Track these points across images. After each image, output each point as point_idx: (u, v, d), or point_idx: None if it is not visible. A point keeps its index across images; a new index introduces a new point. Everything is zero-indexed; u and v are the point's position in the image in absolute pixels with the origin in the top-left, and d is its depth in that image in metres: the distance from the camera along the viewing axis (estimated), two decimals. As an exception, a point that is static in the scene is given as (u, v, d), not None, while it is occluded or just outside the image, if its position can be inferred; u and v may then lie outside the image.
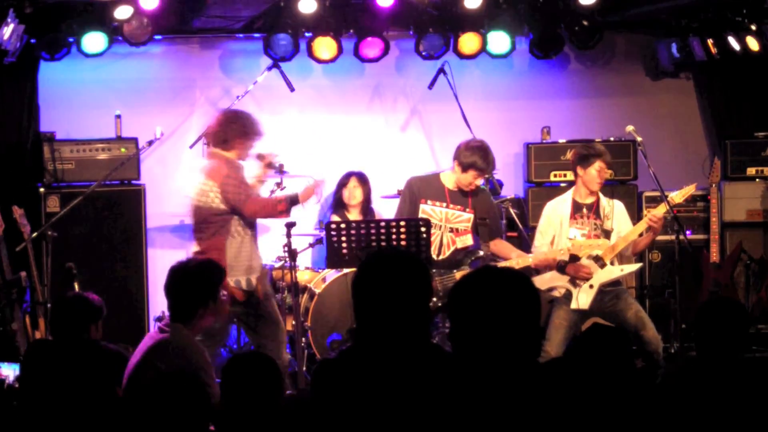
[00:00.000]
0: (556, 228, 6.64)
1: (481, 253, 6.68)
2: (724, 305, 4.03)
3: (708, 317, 3.92)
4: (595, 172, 6.57)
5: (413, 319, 3.14)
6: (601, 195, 6.72)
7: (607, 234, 6.60)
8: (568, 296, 6.58)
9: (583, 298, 6.53)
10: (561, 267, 6.53)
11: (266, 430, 3.56)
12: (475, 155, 6.47)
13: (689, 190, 6.78)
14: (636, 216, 7.68)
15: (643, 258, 8.25)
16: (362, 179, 8.04)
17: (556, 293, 6.63)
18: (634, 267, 6.93)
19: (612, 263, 6.61)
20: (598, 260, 6.55)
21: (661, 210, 6.62)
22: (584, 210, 6.65)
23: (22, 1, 7.02)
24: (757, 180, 8.40)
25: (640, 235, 6.65)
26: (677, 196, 6.75)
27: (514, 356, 2.71)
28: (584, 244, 6.52)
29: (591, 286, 6.54)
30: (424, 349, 3.13)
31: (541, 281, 6.67)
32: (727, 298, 4.80)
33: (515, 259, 6.62)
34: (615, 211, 6.67)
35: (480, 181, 6.58)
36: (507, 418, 2.67)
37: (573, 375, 3.31)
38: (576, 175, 6.69)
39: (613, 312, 6.62)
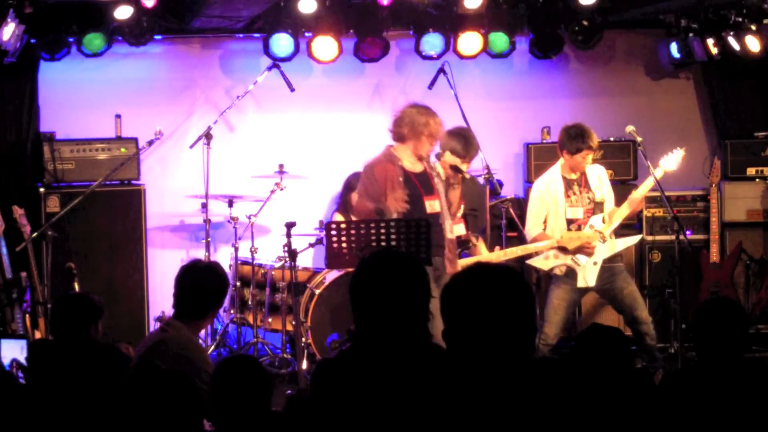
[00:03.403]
0: (549, 207, 6.66)
1: (471, 243, 6.71)
2: (721, 305, 4.03)
3: (706, 317, 3.92)
4: (581, 159, 6.62)
5: (412, 319, 3.15)
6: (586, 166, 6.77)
7: (599, 206, 6.64)
8: (569, 274, 6.61)
9: (589, 275, 6.58)
10: (563, 247, 6.56)
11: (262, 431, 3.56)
12: (453, 140, 6.49)
13: (680, 155, 6.80)
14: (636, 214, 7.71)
15: (643, 258, 8.26)
16: None
17: (557, 271, 6.65)
18: (635, 239, 7.03)
19: (611, 237, 6.65)
20: (599, 235, 6.59)
21: (640, 195, 6.68)
22: (575, 186, 6.68)
23: (22, 1, 7.01)
24: (757, 180, 8.39)
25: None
26: (668, 162, 6.76)
27: (508, 353, 2.71)
28: (573, 237, 6.55)
29: (595, 263, 6.58)
30: (423, 348, 3.14)
31: (543, 262, 6.69)
32: (725, 298, 4.78)
33: (503, 251, 6.68)
34: (601, 179, 6.74)
35: (465, 167, 6.58)
36: (505, 418, 2.67)
37: (572, 374, 3.31)
38: (561, 154, 6.71)
39: (610, 289, 6.66)
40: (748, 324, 4.34)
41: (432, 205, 6.31)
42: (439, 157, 6.48)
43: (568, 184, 6.68)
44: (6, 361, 4.92)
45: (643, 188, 6.72)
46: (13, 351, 5.19)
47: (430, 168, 6.33)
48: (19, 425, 3.71)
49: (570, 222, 6.65)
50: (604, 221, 6.63)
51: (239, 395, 3.56)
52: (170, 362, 4.29)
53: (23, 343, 5.23)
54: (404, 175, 6.23)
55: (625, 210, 6.66)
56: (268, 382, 3.67)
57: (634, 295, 6.64)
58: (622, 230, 7.06)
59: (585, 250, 6.55)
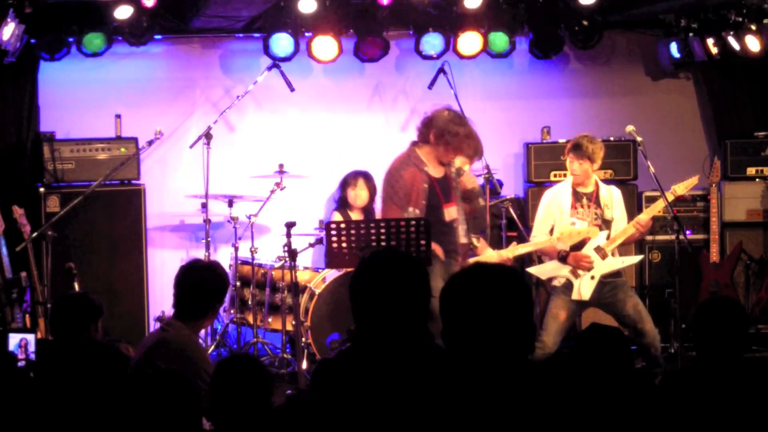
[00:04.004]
0: (556, 217, 6.66)
1: (472, 244, 6.70)
2: (721, 305, 4.03)
3: (706, 317, 3.92)
4: (568, 163, 6.63)
5: (412, 319, 3.15)
6: (600, 183, 6.74)
7: (607, 224, 6.62)
8: (567, 286, 6.60)
9: (584, 289, 6.55)
10: (562, 257, 6.55)
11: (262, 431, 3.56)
12: None
13: (692, 182, 6.79)
14: (636, 214, 7.67)
15: (643, 258, 8.25)
16: (368, 179, 8.05)
17: (555, 282, 6.65)
18: (635, 259, 6.98)
19: (613, 254, 6.63)
20: (600, 251, 6.57)
21: (646, 216, 6.65)
22: (584, 200, 6.66)
23: (22, 1, 7.01)
24: (757, 180, 8.39)
25: None
26: (680, 188, 6.76)
27: (507, 354, 2.71)
28: (573, 232, 6.55)
29: (592, 277, 6.57)
30: (423, 349, 3.13)
31: (542, 271, 6.70)
32: (725, 297, 4.78)
33: (509, 250, 6.66)
34: (614, 200, 6.70)
35: (467, 167, 6.58)
36: (504, 418, 2.67)
37: (571, 375, 3.31)
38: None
39: (611, 303, 6.63)
40: (748, 324, 4.33)
41: (450, 212, 6.30)
42: None
43: (578, 197, 6.67)
44: (14, 342, 4.96)
45: (650, 210, 6.69)
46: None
47: (450, 172, 6.29)
48: (22, 415, 3.72)
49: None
50: (608, 238, 6.61)
51: (240, 394, 3.57)
52: (170, 362, 4.29)
53: (32, 337, 5.26)
54: (429, 183, 6.21)
55: (630, 229, 6.62)
56: (268, 381, 3.67)
57: (637, 308, 6.57)
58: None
59: (582, 264, 6.54)
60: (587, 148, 6.55)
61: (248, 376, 3.62)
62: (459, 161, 6.46)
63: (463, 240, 6.28)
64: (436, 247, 6.14)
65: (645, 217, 6.64)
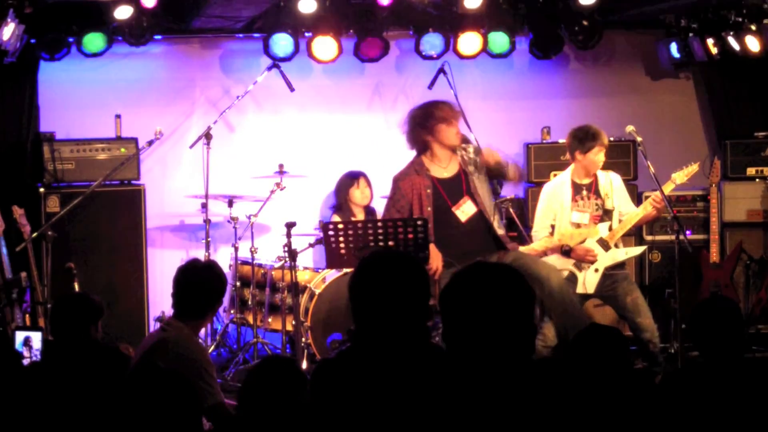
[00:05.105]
0: (557, 211, 6.67)
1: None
2: (716, 304, 4.04)
3: (702, 316, 3.93)
4: (594, 156, 6.61)
5: (411, 319, 3.15)
6: (599, 172, 6.74)
7: (608, 213, 6.62)
8: (572, 278, 6.60)
9: (589, 282, 6.57)
10: (565, 251, 6.56)
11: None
12: None
13: (693, 169, 6.79)
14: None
15: (643, 258, 8.26)
16: (366, 177, 8.09)
17: None
18: (638, 250, 6.99)
19: (616, 246, 6.63)
20: (603, 243, 6.57)
21: (659, 194, 6.64)
22: (584, 191, 6.66)
23: (22, 1, 7.01)
24: (757, 180, 8.39)
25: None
26: (680, 176, 6.76)
27: (508, 354, 2.71)
28: (575, 233, 6.55)
29: (596, 270, 6.57)
30: (423, 349, 3.14)
31: None
32: (720, 297, 4.79)
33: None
34: (614, 187, 6.70)
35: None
36: (504, 418, 2.67)
37: (570, 375, 3.31)
38: (573, 158, 6.71)
39: (612, 296, 6.64)
40: (745, 321, 4.34)
41: (465, 211, 6.24)
42: None
43: (577, 188, 6.68)
44: (19, 339, 4.96)
45: (665, 187, 6.69)
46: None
47: (465, 164, 6.24)
48: (25, 414, 3.73)
49: (576, 227, 6.64)
50: (610, 229, 6.62)
51: (278, 398, 3.54)
52: (170, 362, 4.30)
53: (38, 335, 5.27)
54: (433, 186, 6.18)
55: (646, 208, 6.62)
56: (305, 386, 3.63)
57: (637, 302, 6.58)
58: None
59: (587, 257, 6.55)
60: (603, 137, 6.58)
61: (286, 378, 3.59)
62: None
63: (500, 231, 6.26)
64: (434, 257, 6.03)
65: (659, 193, 6.63)
